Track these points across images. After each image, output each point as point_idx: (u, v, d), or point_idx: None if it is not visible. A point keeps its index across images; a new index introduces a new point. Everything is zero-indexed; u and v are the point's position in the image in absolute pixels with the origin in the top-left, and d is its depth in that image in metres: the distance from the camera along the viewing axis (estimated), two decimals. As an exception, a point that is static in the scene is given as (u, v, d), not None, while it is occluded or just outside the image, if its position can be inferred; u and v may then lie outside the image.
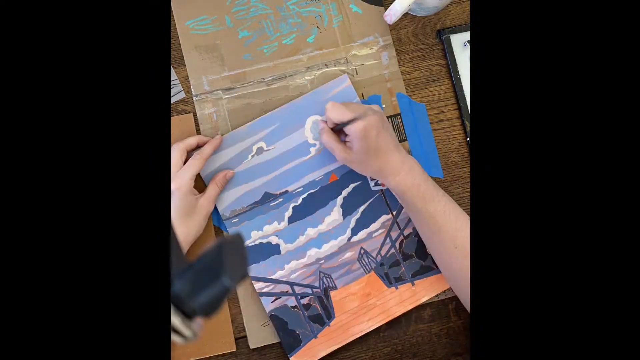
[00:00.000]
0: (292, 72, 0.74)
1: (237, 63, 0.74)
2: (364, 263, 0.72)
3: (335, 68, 0.74)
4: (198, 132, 0.73)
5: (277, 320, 0.70)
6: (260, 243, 0.71)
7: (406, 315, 0.72)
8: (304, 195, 0.72)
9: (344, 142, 0.69)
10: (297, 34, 0.74)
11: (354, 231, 0.72)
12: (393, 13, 0.67)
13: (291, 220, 0.72)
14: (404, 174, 0.66)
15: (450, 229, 0.64)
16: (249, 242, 0.71)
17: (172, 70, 0.73)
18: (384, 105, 0.74)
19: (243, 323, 0.71)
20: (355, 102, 0.73)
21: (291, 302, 0.71)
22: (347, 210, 0.72)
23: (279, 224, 0.71)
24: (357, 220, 0.72)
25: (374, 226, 0.72)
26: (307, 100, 0.73)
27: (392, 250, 0.72)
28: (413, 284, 0.72)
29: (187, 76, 0.73)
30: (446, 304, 0.73)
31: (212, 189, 0.69)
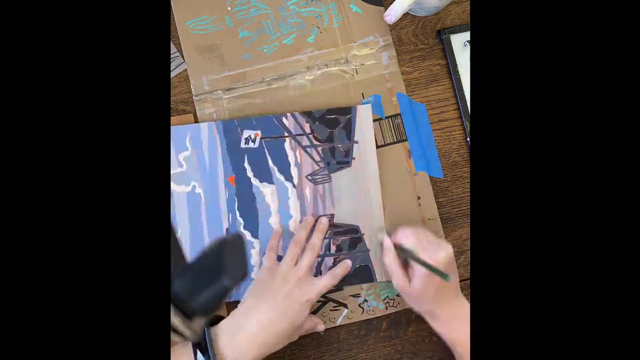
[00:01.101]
0: (292, 72, 0.74)
1: (237, 63, 0.74)
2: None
3: (336, 68, 0.74)
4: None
5: None
6: None
7: (406, 315, 0.72)
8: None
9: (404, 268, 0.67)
10: (297, 34, 0.74)
11: None
12: (393, 13, 0.67)
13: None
14: (456, 323, 0.64)
15: None
16: None
17: (172, 45, 0.73)
18: (384, 105, 0.74)
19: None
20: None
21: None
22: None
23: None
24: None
25: None
26: None
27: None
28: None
29: (187, 76, 0.73)
30: (446, 304, 0.73)
31: (327, 281, 0.68)
